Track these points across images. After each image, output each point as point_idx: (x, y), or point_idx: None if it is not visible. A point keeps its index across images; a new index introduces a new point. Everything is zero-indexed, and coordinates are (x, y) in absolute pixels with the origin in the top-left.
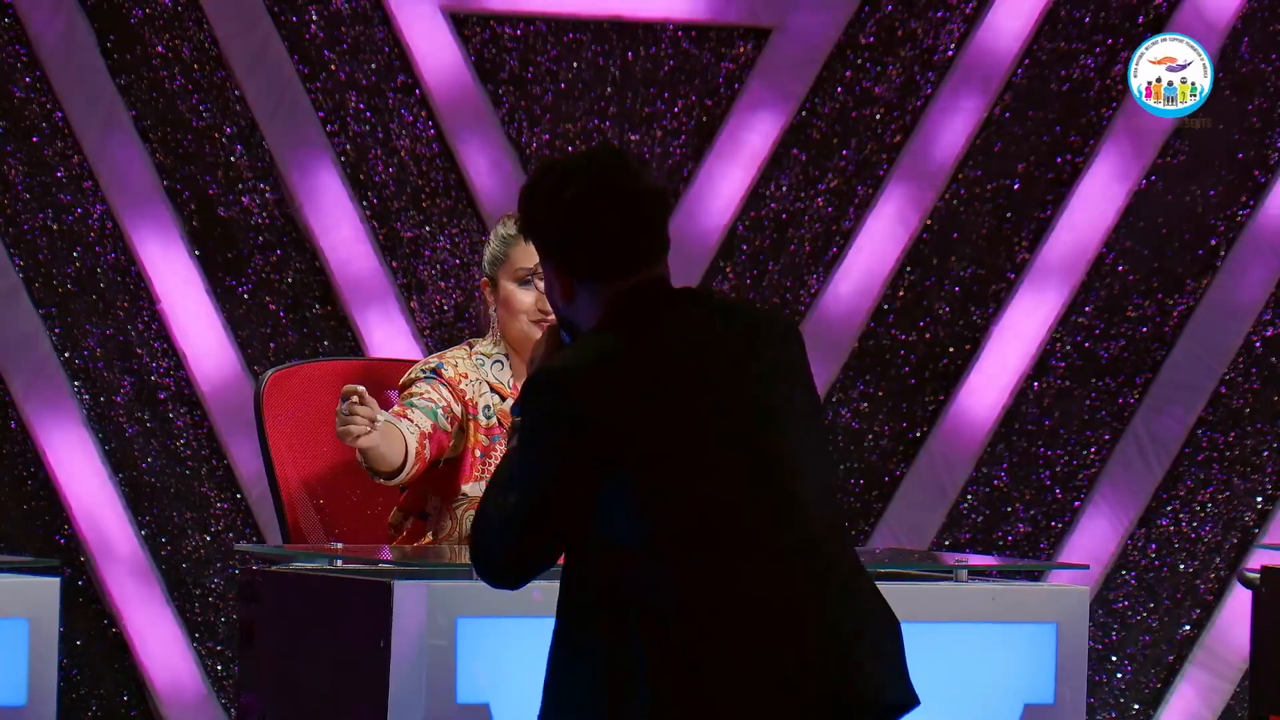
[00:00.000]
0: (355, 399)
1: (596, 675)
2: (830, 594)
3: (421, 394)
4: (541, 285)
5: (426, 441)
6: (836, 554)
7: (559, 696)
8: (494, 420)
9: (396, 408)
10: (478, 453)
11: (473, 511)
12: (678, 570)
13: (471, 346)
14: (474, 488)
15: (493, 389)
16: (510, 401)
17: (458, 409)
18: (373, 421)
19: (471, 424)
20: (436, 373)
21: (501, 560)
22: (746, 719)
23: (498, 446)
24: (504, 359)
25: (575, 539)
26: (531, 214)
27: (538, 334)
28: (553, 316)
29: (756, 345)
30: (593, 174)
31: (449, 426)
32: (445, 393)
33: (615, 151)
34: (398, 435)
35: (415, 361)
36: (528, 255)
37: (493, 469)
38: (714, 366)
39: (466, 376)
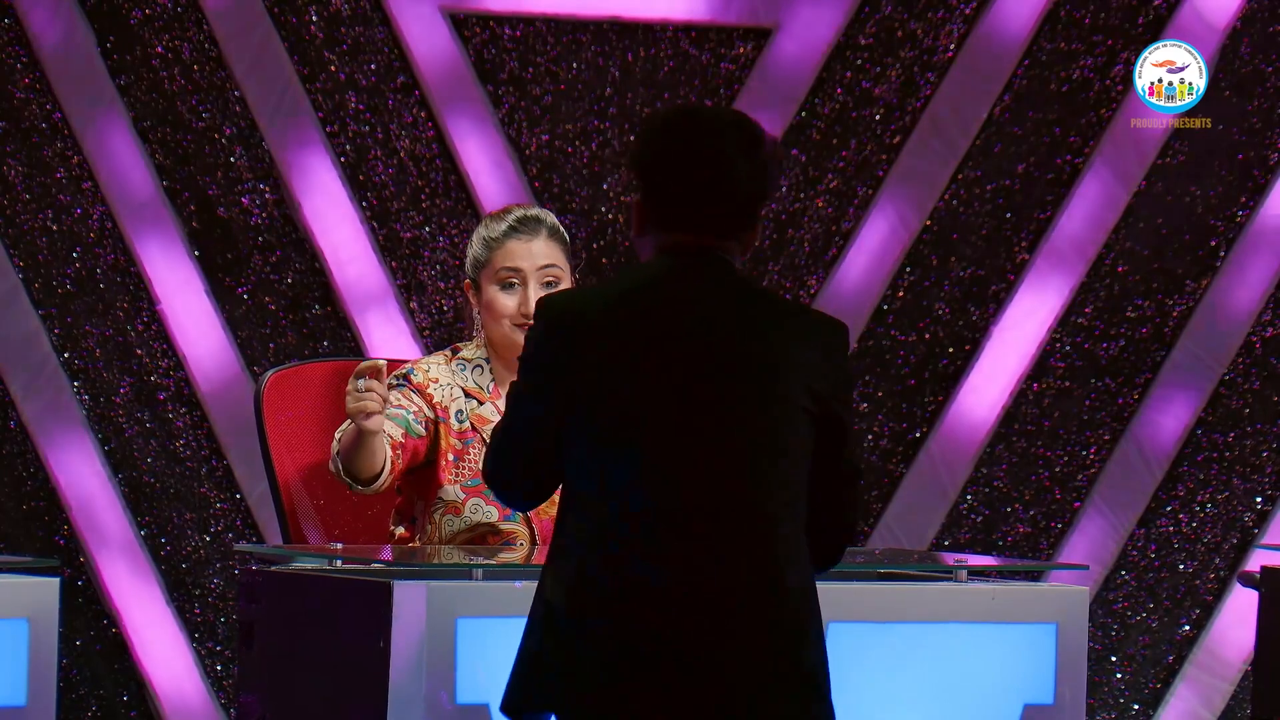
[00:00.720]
0: (372, 375)
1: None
2: (738, 613)
3: (391, 403)
4: (530, 288)
5: (399, 451)
6: (761, 572)
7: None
8: (466, 424)
9: None
10: (450, 456)
11: (451, 515)
12: (600, 524)
13: (455, 352)
14: (450, 491)
15: (468, 394)
16: (488, 406)
17: (429, 412)
18: (385, 401)
19: (442, 428)
20: (406, 379)
21: (490, 473)
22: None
23: (470, 450)
24: (484, 363)
25: (547, 470)
26: (642, 146)
27: (521, 338)
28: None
29: (754, 331)
30: (716, 138)
31: (422, 431)
32: (416, 398)
33: (741, 124)
34: (380, 443)
35: (414, 362)
36: (510, 256)
37: (466, 473)
38: (693, 334)
39: (436, 381)
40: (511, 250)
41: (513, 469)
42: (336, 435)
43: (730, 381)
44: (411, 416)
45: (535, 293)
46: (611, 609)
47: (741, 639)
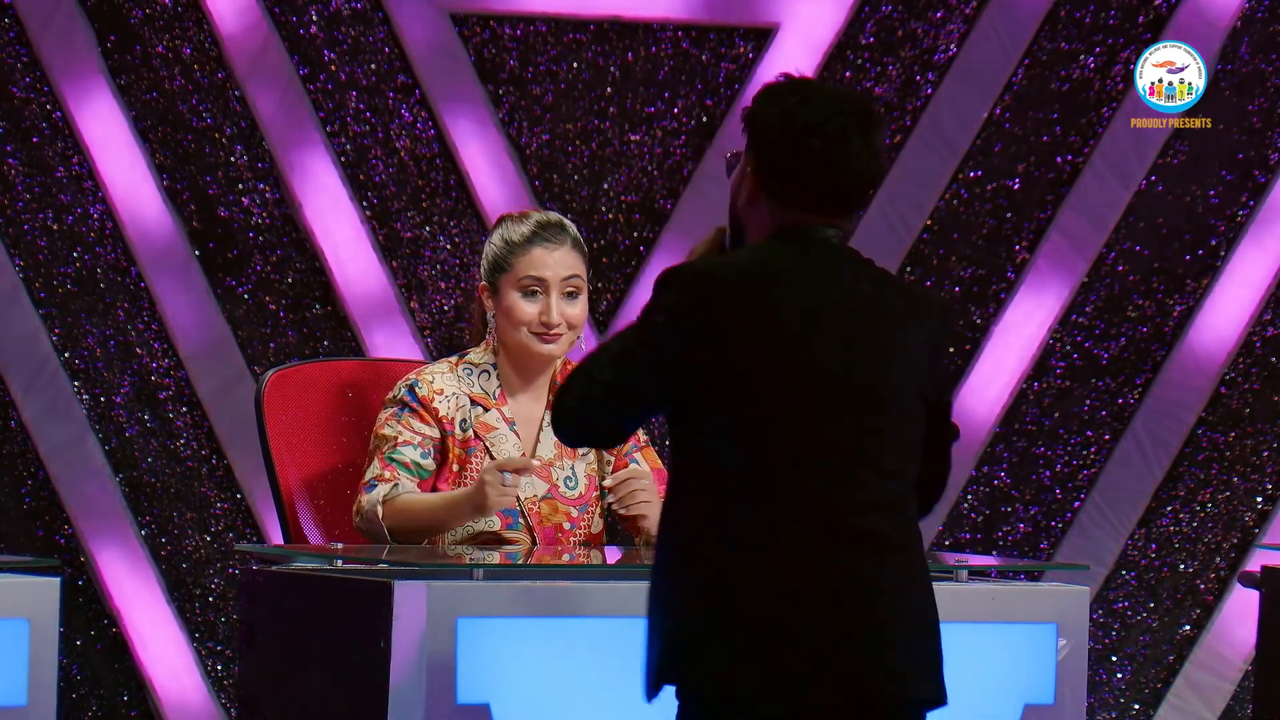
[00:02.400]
0: (519, 472)
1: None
2: (879, 583)
3: (396, 441)
4: (552, 298)
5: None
6: (897, 545)
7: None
8: (470, 433)
9: (377, 465)
10: (455, 466)
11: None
12: (738, 505)
13: (462, 357)
14: None
15: (474, 401)
16: (493, 413)
17: (435, 432)
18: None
19: (448, 440)
20: (413, 392)
21: (576, 409)
22: (766, 679)
23: (473, 459)
24: (491, 369)
25: (633, 428)
26: (760, 112)
27: (539, 347)
28: (557, 330)
29: (888, 317)
30: (834, 114)
31: (432, 465)
32: (421, 425)
33: (866, 107)
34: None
35: (414, 362)
36: (534, 264)
37: (469, 481)
38: (836, 322)
39: (441, 393)
40: (536, 258)
41: (604, 417)
42: (381, 497)
43: (869, 370)
44: (419, 453)
45: (557, 303)
46: (769, 590)
47: (894, 625)
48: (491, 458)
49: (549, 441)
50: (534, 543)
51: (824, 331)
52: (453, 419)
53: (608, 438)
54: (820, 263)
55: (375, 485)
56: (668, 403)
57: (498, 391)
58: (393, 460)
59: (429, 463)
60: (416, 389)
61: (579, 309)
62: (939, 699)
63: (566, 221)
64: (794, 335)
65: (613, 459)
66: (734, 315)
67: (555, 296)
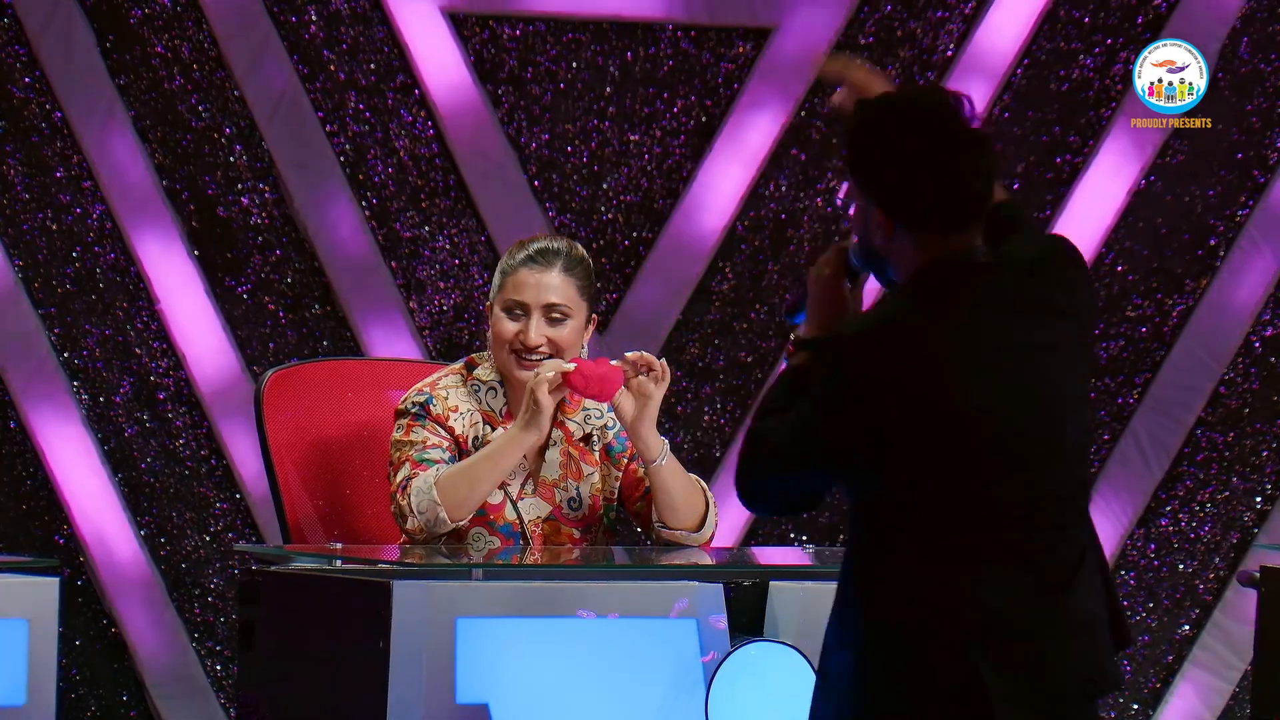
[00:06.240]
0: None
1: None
2: (1077, 588)
3: (424, 443)
4: (532, 321)
5: None
6: (1084, 546)
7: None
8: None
9: (407, 467)
10: None
11: (454, 543)
12: (936, 552)
13: (470, 368)
14: None
15: (485, 418)
16: (500, 431)
17: (452, 444)
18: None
19: (462, 458)
20: (425, 410)
21: (767, 486)
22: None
23: None
24: (498, 385)
25: (825, 492)
26: (864, 150)
27: (517, 371)
28: (540, 351)
29: (1053, 321)
30: (941, 121)
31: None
32: (441, 432)
33: (951, 105)
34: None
35: (414, 362)
36: (518, 287)
37: None
38: (1001, 350)
39: (456, 410)
40: (521, 281)
41: (796, 489)
42: (433, 480)
43: (1047, 406)
44: (447, 456)
45: (537, 326)
46: (988, 631)
47: (1101, 666)
48: (501, 483)
49: (553, 461)
50: None
51: (1001, 374)
52: (466, 436)
53: (801, 507)
54: (979, 299)
55: (411, 480)
56: (859, 467)
57: (504, 409)
58: (424, 460)
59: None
60: (431, 406)
61: (565, 332)
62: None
63: (568, 244)
64: (972, 383)
65: (620, 473)
66: (914, 373)
67: (536, 318)
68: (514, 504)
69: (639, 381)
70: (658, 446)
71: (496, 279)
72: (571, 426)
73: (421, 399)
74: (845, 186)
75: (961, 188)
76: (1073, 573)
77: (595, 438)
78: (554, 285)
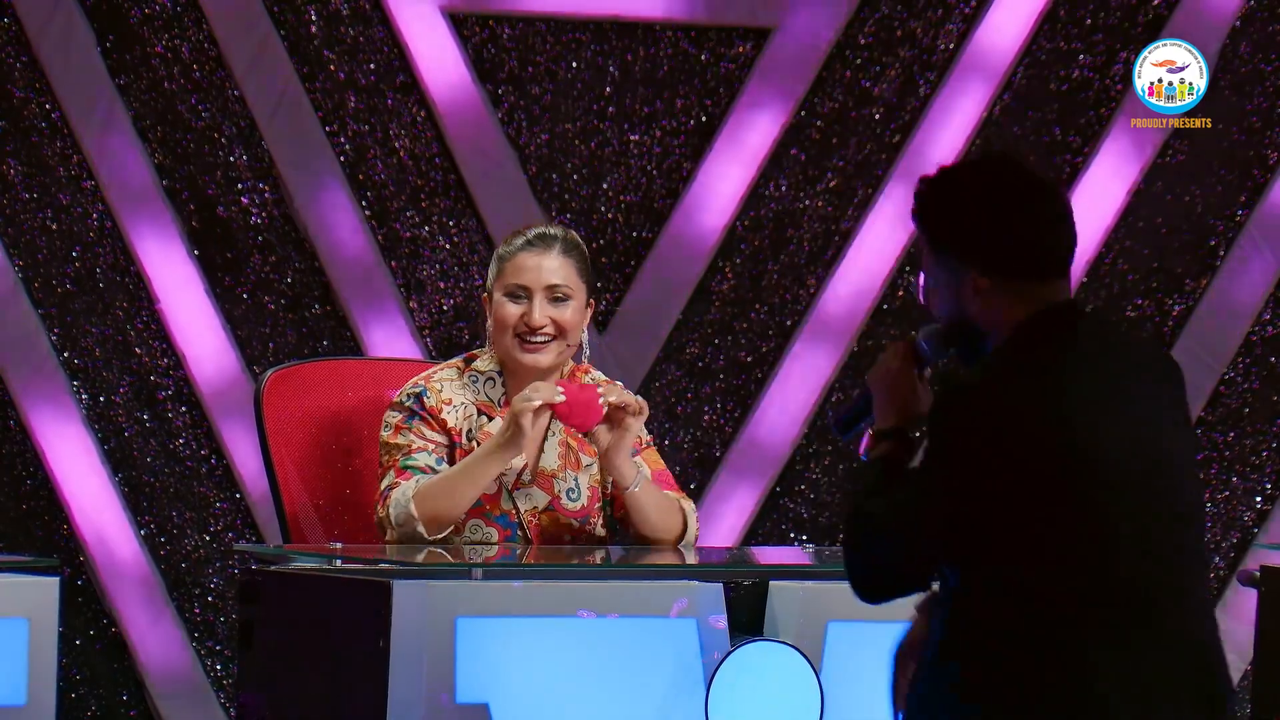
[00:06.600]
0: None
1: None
2: (1204, 637)
3: (410, 448)
4: (535, 303)
5: None
6: (1203, 600)
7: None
8: (474, 443)
9: (392, 474)
10: None
11: (452, 535)
12: (1070, 612)
13: (469, 362)
14: None
15: (480, 410)
16: (497, 421)
17: (444, 439)
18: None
19: (455, 451)
20: (420, 403)
21: (895, 568)
22: None
23: None
24: (496, 375)
25: (933, 569)
26: (950, 212)
27: (522, 356)
28: (544, 333)
29: (1158, 384)
30: (1017, 173)
31: (447, 467)
32: (430, 432)
33: (1016, 161)
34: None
35: (414, 362)
36: (519, 270)
37: None
38: (1121, 403)
39: (450, 403)
40: (521, 264)
41: (922, 566)
42: (411, 493)
43: (1166, 452)
44: (434, 459)
45: (540, 308)
46: (1133, 690)
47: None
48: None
49: (552, 452)
50: None
51: (1122, 423)
52: (460, 429)
53: (922, 584)
54: (1093, 349)
55: (392, 490)
56: (981, 532)
57: (502, 399)
58: (408, 467)
59: (443, 468)
60: (425, 398)
61: (568, 313)
62: None
63: (563, 230)
64: (1100, 433)
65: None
66: (1046, 417)
67: (539, 301)
68: (510, 494)
69: (618, 414)
70: (631, 474)
71: (494, 267)
72: None
73: (416, 390)
74: (921, 277)
75: (1053, 231)
76: (1204, 652)
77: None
78: (554, 267)
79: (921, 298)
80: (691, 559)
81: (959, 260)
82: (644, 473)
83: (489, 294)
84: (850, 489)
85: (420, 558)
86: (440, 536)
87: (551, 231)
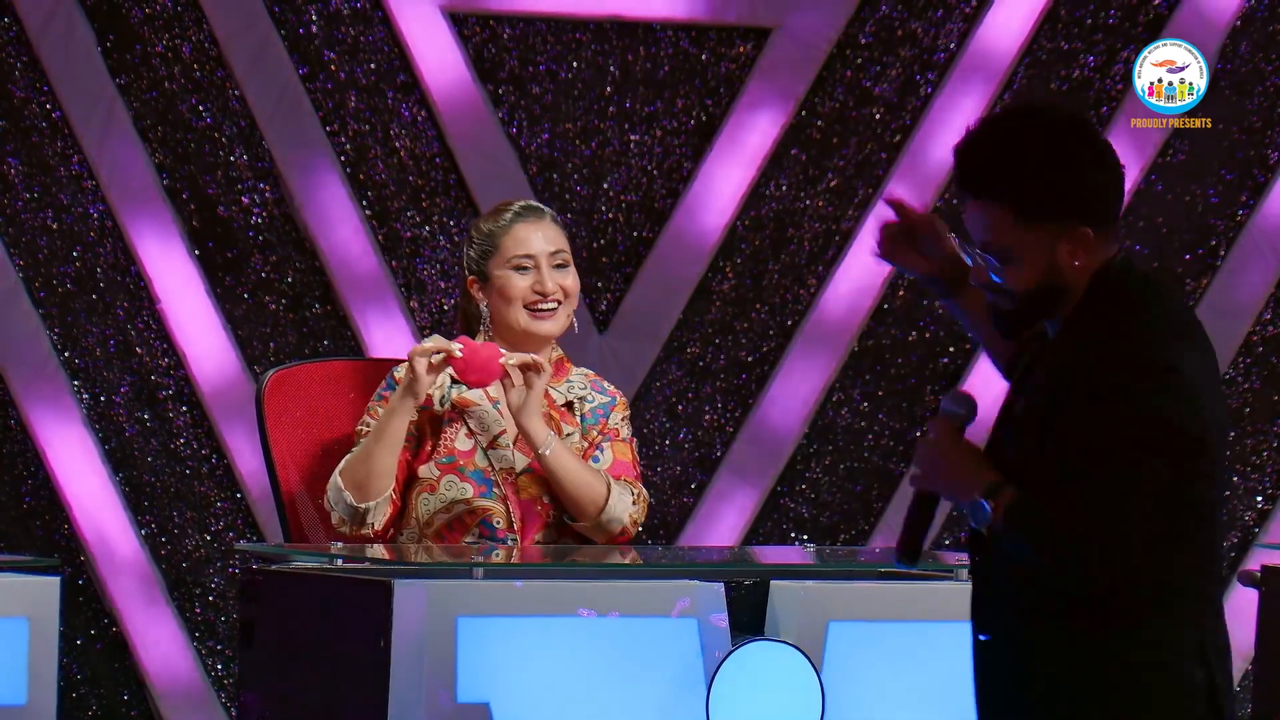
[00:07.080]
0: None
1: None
2: None
3: (363, 431)
4: (543, 271)
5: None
6: None
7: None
8: (448, 407)
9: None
10: (433, 441)
11: (426, 494)
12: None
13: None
14: (425, 469)
15: (455, 380)
16: (477, 392)
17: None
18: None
19: (422, 415)
20: (392, 374)
21: (1123, 569)
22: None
23: (446, 431)
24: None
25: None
26: (1032, 165)
27: (537, 326)
28: (554, 298)
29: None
30: (1070, 118)
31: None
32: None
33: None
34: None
35: None
36: (521, 242)
37: (444, 450)
38: (1215, 364)
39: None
40: (521, 235)
41: (1132, 543)
42: (336, 472)
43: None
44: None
45: (548, 275)
46: (1224, 667)
47: None
48: (471, 433)
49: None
50: (507, 511)
51: (1217, 379)
52: (433, 397)
53: (1152, 561)
54: (1179, 300)
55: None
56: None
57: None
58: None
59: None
60: (395, 371)
61: (571, 279)
62: None
63: (540, 203)
64: (1220, 401)
65: (587, 444)
66: (1206, 392)
67: (546, 269)
68: (485, 452)
69: (528, 375)
70: (543, 437)
71: (483, 245)
72: (555, 394)
73: (397, 366)
74: (972, 259)
75: (1117, 169)
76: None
77: (575, 405)
78: (552, 235)
79: (976, 280)
80: (692, 558)
81: (1058, 216)
82: (553, 440)
83: (479, 275)
84: (1006, 547)
85: (421, 557)
86: (374, 504)
87: (533, 203)
